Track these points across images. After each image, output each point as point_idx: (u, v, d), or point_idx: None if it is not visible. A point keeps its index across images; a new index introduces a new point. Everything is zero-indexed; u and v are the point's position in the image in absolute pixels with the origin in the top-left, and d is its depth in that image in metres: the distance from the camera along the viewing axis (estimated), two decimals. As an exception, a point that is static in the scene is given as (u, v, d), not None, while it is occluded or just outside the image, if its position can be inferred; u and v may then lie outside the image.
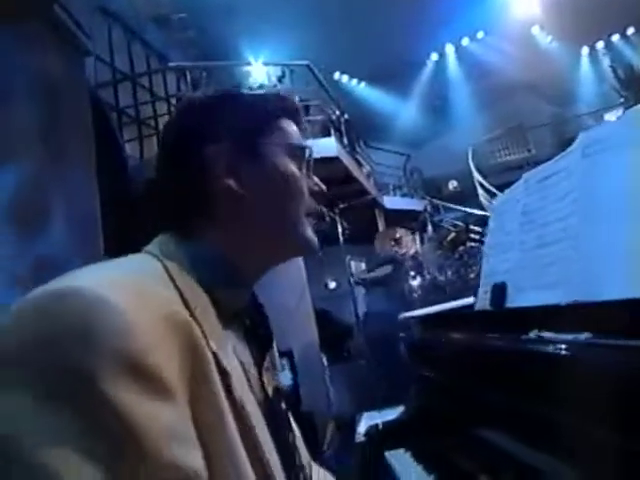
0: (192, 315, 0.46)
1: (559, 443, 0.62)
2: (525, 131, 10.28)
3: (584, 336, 0.58)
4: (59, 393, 0.35)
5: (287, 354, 3.08)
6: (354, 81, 10.57)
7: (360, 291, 4.38)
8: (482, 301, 1.04)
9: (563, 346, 0.60)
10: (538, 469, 0.67)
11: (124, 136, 3.78)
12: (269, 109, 0.62)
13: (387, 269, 3.63)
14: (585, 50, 11.14)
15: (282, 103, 0.63)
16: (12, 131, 1.48)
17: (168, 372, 0.39)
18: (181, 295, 0.47)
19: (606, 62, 10.11)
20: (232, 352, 0.52)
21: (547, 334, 0.66)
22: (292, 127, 0.64)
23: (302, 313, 3.58)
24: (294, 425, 0.65)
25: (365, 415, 2.00)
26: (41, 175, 1.50)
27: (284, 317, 3.31)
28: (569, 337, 0.61)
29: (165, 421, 0.38)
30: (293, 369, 3.07)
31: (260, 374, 0.58)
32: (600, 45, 11.01)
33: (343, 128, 4.87)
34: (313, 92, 4.83)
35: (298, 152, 0.62)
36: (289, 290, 3.42)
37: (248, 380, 0.54)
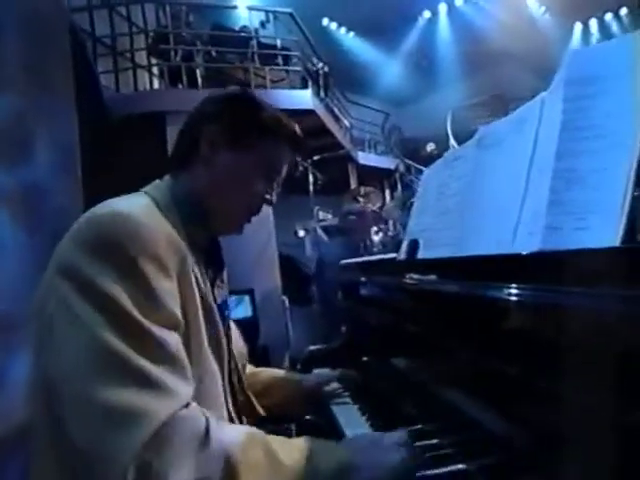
0: None
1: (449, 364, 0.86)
2: (506, 102, 10.36)
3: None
4: (117, 266, 0.62)
5: (248, 292, 3.35)
6: (342, 29, 10.32)
7: (324, 240, 4.61)
8: (402, 253, 1.26)
9: (449, 286, 0.85)
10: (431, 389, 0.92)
11: (99, 67, 3.73)
12: (275, 128, 0.83)
13: (334, 220, 3.93)
14: (578, 26, 11.01)
15: (290, 133, 0.85)
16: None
17: (171, 265, 0.68)
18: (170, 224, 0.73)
19: (595, 40, 10.10)
20: (196, 270, 0.77)
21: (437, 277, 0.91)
22: (283, 154, 0.85)
23: (267, 257, 3.80)
24: (232, 325, 0.94)
25: (308, 349, 2.29)
26: (26, 106, 1.59)
27: (248, 259, 3.54)
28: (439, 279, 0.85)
29: (168, 288, 0.67)
30: (253, 305, 3.33)
31: (213, 289, 0.84)
32: (593, 23, 10.91)
33: (322, 81, 4.89)
34: (295, 41, 4.80)
35: (272, 175, 0.85)
36: (255, 235, 3.62)
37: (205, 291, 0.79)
